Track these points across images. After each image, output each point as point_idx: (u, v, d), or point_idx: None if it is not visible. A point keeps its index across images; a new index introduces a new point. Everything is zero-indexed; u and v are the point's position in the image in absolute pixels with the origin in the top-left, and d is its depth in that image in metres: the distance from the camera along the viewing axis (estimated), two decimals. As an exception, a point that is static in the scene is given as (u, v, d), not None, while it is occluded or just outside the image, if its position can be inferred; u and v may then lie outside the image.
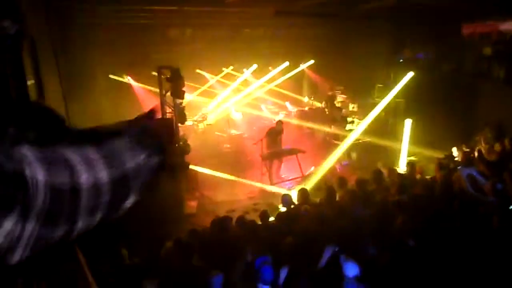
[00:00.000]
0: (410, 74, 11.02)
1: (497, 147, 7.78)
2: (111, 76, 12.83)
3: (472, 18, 11.72)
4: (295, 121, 13.27)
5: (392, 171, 7.34)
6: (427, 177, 7.23)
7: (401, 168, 8.87)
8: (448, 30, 11.75)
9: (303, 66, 15.61)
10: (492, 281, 3.55)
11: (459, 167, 6.44)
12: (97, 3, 9.47)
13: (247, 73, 15.26)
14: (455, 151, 8.00)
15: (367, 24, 12.84)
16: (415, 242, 4.31)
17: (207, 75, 14.87)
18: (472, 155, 7.47)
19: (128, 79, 13.19)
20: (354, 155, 10.94)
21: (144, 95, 13.13)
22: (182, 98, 8.16)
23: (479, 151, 7.77)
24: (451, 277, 3.70)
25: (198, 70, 14.29)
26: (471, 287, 3.58)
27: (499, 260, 3.84)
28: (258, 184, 9.17)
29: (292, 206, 6.25)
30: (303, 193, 6.41)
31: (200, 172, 9.13)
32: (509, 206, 4.86)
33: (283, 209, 6.34)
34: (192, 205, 8.25)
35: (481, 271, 3.74)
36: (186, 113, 8.44)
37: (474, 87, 10.68)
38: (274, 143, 9.67)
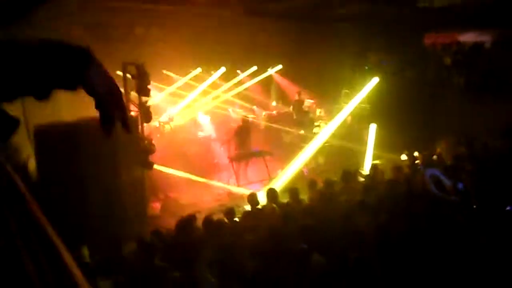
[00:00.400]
0: (375, 80, 11.28)
1: (458, 152, 8.08)
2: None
3: (434, 29, 12.22)
4: (263, 123, 13.26)
5: (358, 173, 7.44)
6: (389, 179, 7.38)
7: (366, 170, 9.01)
8: (411, 38, 12.17)
9: (271, 71, 15.67)
10: (458, 276, 3.60)
11: (422, 168, 6.60)
12: (59, -2, 9.07)
13: (215, 75, 15.13)
14: (404, 157, 8.18)
15: (334, 30, 13.09)
16: (380, 240, 4.33)
17: (174, 76, 14.60)
18: (432, 157, 7.70)
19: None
20: (321, 158, 11.03)
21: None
22: (148, 95, 7.91)
23: (439, 154, 8.05)
24: (418, 273, 3.73)
25: (164, 71, 13.99)
26: (438, 281, 3.61)
27: (464, 258, 3.92)
28: (225, 186, 9.04)
29: (258, 206, 6.17)
30: (271, 193, 6.35)
31: (165, 173, 8.87)
32: (471, 204, 5.00)
33: (248, 208, 6.24)
34: (156, 206, 7.99)
35: (446, 267, 3.80)
36: (152, 112, 8.20)
37: (436, 94, 11.09)
38: (243, 144, 9.59)
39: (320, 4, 10.14)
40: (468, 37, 11.83)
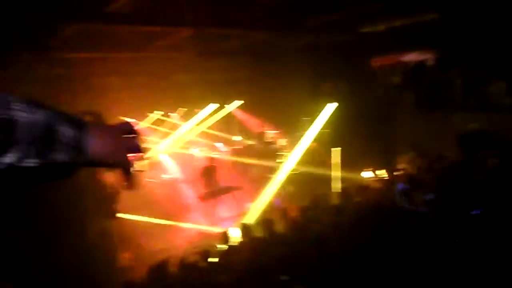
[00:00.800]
0: (332, 105, 11.69)
1: (420, 165, 8.42)
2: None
3: (380, 52, 12.98)
4: (228, 159, 13.26)
5: (326, 197, 7.52)
6: (358, 199, 7.52)
7: (335, 194, 9.13)
8: (361, 62, 12.84)
9: (231, 107, 15.87)
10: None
11: (390, 183, 6.78)
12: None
13: (175, 117, 15.12)
14: (366, 174, 8.39)
15: (288, 61, 13.57)
16: (357, 259, 4.35)
17: (133, 121, 14.43)
18: (398, 173, 7.95)
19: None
20: (290, 187, 11.10)
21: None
22: (108, 143, 7.74)
23: (405, 169, 8.34)
24: None
25: (121, 118, 13.82)
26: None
27: (437, 267, 3.99)
28: (197, 227, 8.84)
29: (231, 243, 6.06)
30: (245, 228, 6.27)
31: (134, 221, 8.58)
32: (439, 213, 5.16)
33: (222, 246, 6.11)
34: (127, 257, 7.64)
35: (422, 279, 3.85)
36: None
37: (389, 114, 11.60)
38: (211, 182, 9.51)
39: (269, 39, 10.56)
40: (411, 57, 12.63)
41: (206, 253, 5.65)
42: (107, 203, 7.30)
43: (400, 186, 6.43)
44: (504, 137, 8.75)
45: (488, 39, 10.58)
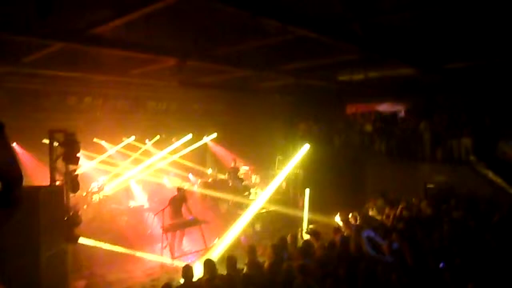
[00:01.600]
0: (306, 146, 11.84)
1: (387, 211, 8.53)
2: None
3: (354, 100, 13.46)
4: (198, 191, 13.06)
5: (295, 237, 7.44)
6: (325, 242, 7.47)
7: (303, 234, 9.06)
8: (336, 107, 13.24)
9: (207, 139, 15.86)
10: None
11: (356, 230, 6.79)
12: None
13: (149, 144, 14.93)
14: (337, 218, 8.43)
15: (266, 99, 13.84)
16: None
17: (105, 144, 14.14)
18: (365, 218, 8.01)
19: (13, 146, 11.86)
20: (258, 225, 10.96)
21: (32, 164, 11.84)
22: (76, 164, 7.50)
23: (370, 216, 8.42)
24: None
25: (95, 139, 13.54)
26: None
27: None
28: (158, 258, 8.50)
29: (194, 279, 5.83)
30: (208, 264, 6.05)
31: (91, 247, 8.18)
32: (405, 263, 5.17)
33: (182, 281, 5.86)
34: (79, 285, 7.22)
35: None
36: (80, 182, 7.74)
37: (361, 159, 11.89)
38: (178, 213, 9.27)
39: (249, 77, 10.78)
40: (384, 107, 13.16)
41: (168, 287, 5.37)
42: (65, 226, 6.96)
43: (366, 233, 6.46)
44: (468, 190, 9.07)
45: (457, 97, 11.22)
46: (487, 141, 9.67)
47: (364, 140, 12.31)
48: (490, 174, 9.21)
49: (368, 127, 12.36)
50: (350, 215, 8.70)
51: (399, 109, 12.89)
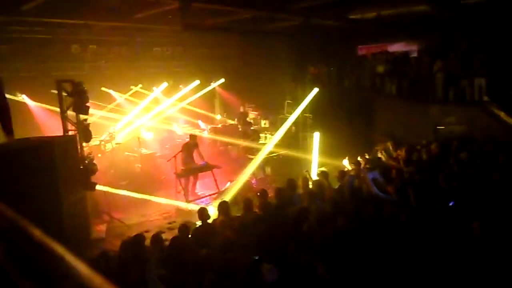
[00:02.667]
0: (315, 90, 11.70)
1: (396, 154, 8.58)
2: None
3: (366, 40, 13.01)
4: (209, 137, 13.19)
5: (305, 179, 7.59)
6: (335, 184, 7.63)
7: (313, 177, 9.23)
8: (346, 49, 12.84)
9: (214, 85, 15.70)
10: (405, 274, 3.77)
11: (364, 172, 6.89)
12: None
13: (157, 91, 14.86)
14: (345, 162, 8.51)
15: (274, 42, 13.46)
16: (337, 243, 4.45)
17: (114, 93, 14.11)
18: (373, 161, 8.08)
19: (22, 98, 11.92)
20: (268, 169, 11.15)
21: (43, 114, 11.96)
22: (87, 113, 7.57)
23: (379, 159, 8.48)
24: (368, 272, 3.86)
25: (103, 88, 13.50)
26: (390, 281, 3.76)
27: (408, 253, 4.13)
28: (173, 203, 8.82)
29: (209, 220, 6.08)
30: (223, 206, 6.26)
31: (109, 194, 8.49)
32: (410, 202, 5.30)
33: (199, 223, 6.13)
34: (100, 229, 7.59)
35: (394, 267, 3.98)
36: (92, 131, 7.85)
37: (371, 102, 11.74)
38: (190, 159, 9.45)
39: (257, 18, 10.39)
40: (396, 47, 12.74)
41: (185, 228, 5.61)
42: (82, 174, 7.19)
43: (371, 175, 6.56)
44: (479, 131, 9.02)
45: (474, 36, 10.76)
46: (502, 81, 9.41)
47: (375, 82, 12.07)
48: (503, 115, 9.09)
49: (380, 68, 12.05)
50: (359, 158, 8.79)
51: (412, 49, 12.47)
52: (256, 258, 4.05)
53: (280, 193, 6.49)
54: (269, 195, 6.81)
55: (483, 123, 9.27)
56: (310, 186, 7.04)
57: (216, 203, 7.36)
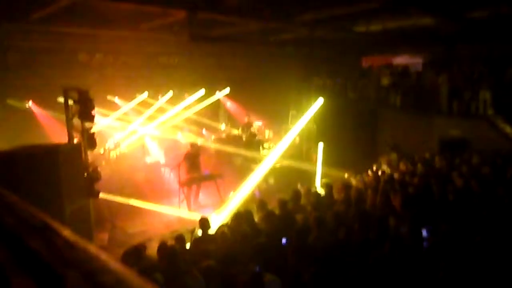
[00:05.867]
0: (320, 100, 11.70)
1: (401, 166, 8.54)
2: (10, 102, 11.63)
3: (371, 52, 13.06)
4: (213, 146, 13.21)
5: (308, 191, 7.56)
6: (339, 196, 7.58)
7: (317, 189, 9.20)
8: (351, 61, 12.88)
9: (219, 94, 15.77)
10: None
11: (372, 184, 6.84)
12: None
13: (162, 100, 14.95)
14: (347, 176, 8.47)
15: (280, 53, 13.53)
16: (339, 255, 4.41)
17: (119, 101, 14.22)
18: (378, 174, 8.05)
19: (29, 105, 12.04)
20: (271, 180, 11.13)
21: (49, 122, 12.06)
22: (92, 121, 7.61)
23: (383, 172, 8.44)
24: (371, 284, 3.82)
25: (109, 97, 13.60)
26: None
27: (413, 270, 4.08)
28: (176, 212, 8.81)
29: (210, 230, 6.06)
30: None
31: (112, 202, 8.49)
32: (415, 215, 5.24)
33: (200, 232, 6.10)
34: (103, 237, 7.58)
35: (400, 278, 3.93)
36: (96, 139, 7.89)
37: (376, 113, 11.74)
38: (193, 168, 9.47)
39: (263, 29, 10.48)
40: (401, 60, 12.78)
41: (182, 238, 5.59)
42: (86, 182, 7.21)
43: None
44: (484, 144, 8.96)
45: (478, 49, 10.77)
46: (507, 94, 9.38)
47: (379, 94, 12.08)
48: (508, 129, 9.03)
49: (385, 81, 12.08)
50: (370, 172, 8.70)
51: (417, 61, 12.50)
52: (257, 269, 4.02)
53: (284, 204, 6.46)
54: (271, 205, 6.78)
55: (488, 136, 9.22)
56: (312, 199, 7.00)
57: (219, 212, 7.35)
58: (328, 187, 7.94)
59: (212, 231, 6.05)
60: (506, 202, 5.48)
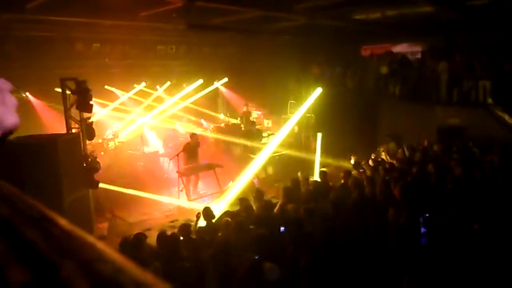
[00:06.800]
0: (319, 90, 11.67)
1: (399, 154, 8.56)
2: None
3: (370, 40, 12.97)
4: (211, 136, 13.20)
5: (307, 180, 7.59)
6: (338, 184, 7.60)
7: (315, 177, 9.23)
8: (350, 50, 12.80)
9: (217, 84, 15.71)
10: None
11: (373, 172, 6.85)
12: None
13: (160, 90, 14.89)
14: (352, 161, 8.47)
15: (278, 42, 13.44)
16: (337, 243, 4.45)
17: (117, 91, 14.15)
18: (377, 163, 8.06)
19: (26, 95, 11.98)
20: (270, 169, 11.14)
21: (46, 112, 12.02)
22: (90, 112, 7.59)
23: (382, 161, 8.45)
24: (368, 273, 3.86)
25: (107, 86, 13.53)
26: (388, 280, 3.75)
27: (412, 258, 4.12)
28: (175, 201, 8.83)
29: (212, 220, 6.08)
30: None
31: (111, 192, 8.51)
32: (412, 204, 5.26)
33: (202, 223, 6.13)
34: (102, 227, 7.61)
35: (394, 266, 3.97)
36: (95, 129, 7.87)
37: (374, 103, 11.70)
38: (192, 158, 9.47)
39: (261, 18, 10.38)
40: (401, 48, 12.70)
41: (187, 228, 5.60)
42: (85, 172, 7.21)
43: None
44: (482, 132, 8.97)
45: (479, 37, 10.70)
46: (506, 83, 9.35)
47: (378, 83, 12.03)
48: (507, 117, 9.03)
49: (384, 69, 12.02)
50: (371, 159, 8.71)
51: (416, 50, 12.43)
52: (256, 258, 4.06)
53: (284, 193, 6.49)
54: (271, 195, 6.81)
55: (487, 125, 9.23)
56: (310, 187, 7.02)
57: (218, 202, 7.37)
58: (323, 174, 7.96)
59: (214, 220, 6.07)
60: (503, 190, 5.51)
